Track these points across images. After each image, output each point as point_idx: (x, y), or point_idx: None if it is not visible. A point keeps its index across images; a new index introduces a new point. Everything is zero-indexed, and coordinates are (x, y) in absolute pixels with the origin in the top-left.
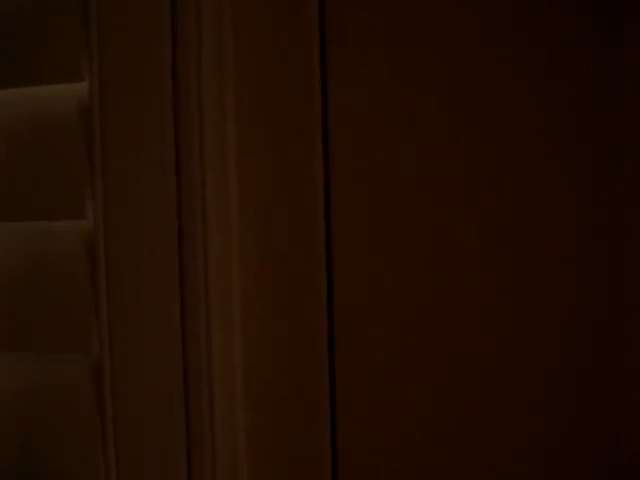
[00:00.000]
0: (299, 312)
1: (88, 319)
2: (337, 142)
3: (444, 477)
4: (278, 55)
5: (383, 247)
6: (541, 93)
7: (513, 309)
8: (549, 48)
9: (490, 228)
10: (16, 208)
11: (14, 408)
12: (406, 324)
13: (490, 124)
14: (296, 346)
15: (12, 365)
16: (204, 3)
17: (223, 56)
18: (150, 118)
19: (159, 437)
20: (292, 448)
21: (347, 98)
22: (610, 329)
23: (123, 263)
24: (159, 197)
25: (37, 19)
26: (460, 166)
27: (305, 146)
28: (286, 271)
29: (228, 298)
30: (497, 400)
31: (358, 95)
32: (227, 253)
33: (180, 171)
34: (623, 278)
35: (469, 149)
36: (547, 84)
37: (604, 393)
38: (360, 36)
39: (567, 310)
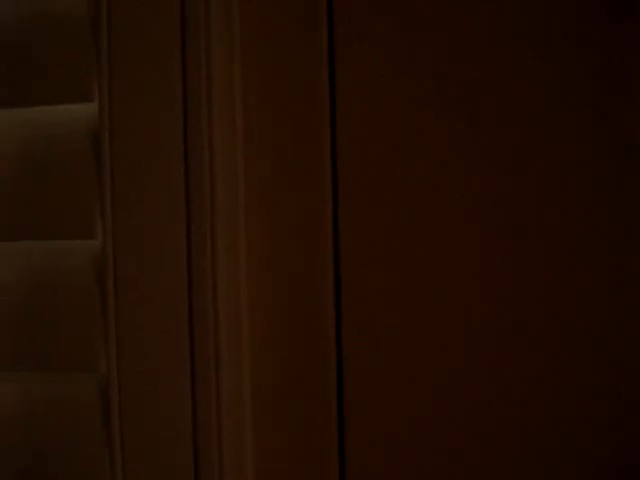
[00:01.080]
0: (307, 314)
1: (97, 337)
2: (345, 142)
3: None
4: (287, 59)
5: (390, 249)
6: (544, 94)
7: (521, 312)
8: (553, 50)
9: (500, 231)
10: (27, 227)
11: (24, 423)
12: (413, 325)
13: (496, 125)
14: (303, 349)
15: (22, 381)
16: (214, 28)
17: (233, 76)
18: (159, 139)
19: (166, 452)
20: (299, 456)
21: (355, 99)
22: (610, 330)
23: (131, 282)
24: (168, 217)
25: (49, 41)
26: (469, 165)
27: (313, 151)
28: (294, 276)
29: (236, 312)
30: (501, 400)
31: (366, 95)
32: (235, 271)
33: (189, 192)
34: (623, 278)
35: (477, 150)
36: (550, 86)
37: (605, 396)
38: (367, 34)
39: (574, 315)
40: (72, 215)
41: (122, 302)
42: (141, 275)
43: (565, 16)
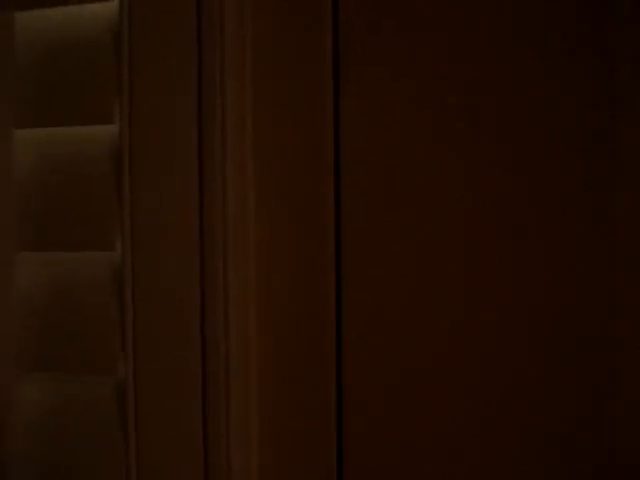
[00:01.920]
0: (309, 320)
1: (115, 343)
2: (347, 142)
3: None
4: (293, 69)
5: (391, 250)
6: (543, 99)
7: (519, 306)
8: (552, 50)
9: (499, 225)
10: (52, 239)
11: (45, 423)
12: (413, 325)
13: (496, 125)
14: (305, 351)
15: (45, 383)
16: (228, 58)
17: (245, 98)
18: (175, 158)
19: (178, 449)
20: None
21: (357, 99)
22: (602, 329)
23: (148, 291)
24: (182, 231)
25: (75, 67)
26: (467, 162)
27: (316, 154)
28: (298, 285)
29: (245, 319)
30: (499, 393)
31: (368, 95)
32: (244, 280)
33: (203, 207)
34: (614, 278)
35: (476, 147)
36: (550, 87)
37: (596, 396)
38: (370, 37)
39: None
40: (93, 228)
41: (139, 310)
42: (157, 285)
43: (564, 17)
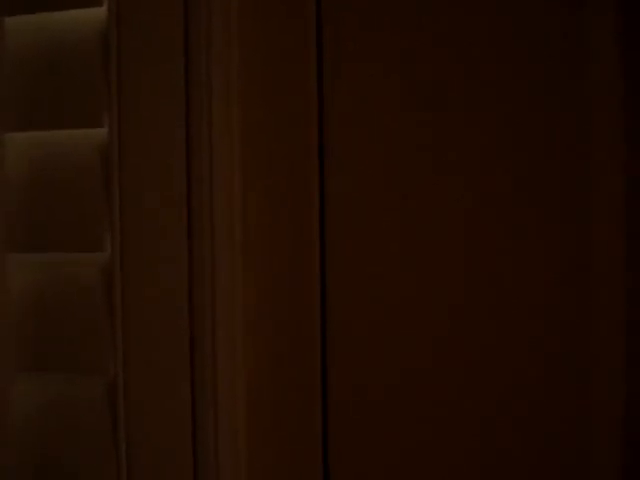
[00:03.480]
0: (295, 320)
1: (105, 343)
2: (332, 143)
3: None
4: (279, 72)
5: (376, 251)
6: (538, 97)
7: (508, 307)
8: (551, 51)
9: (485, 230)
10: (41, 241)
11: (37, 421)
12: (399, 327)
13: (488, 124)
14: (291, 355)
15: (36, 383)
16: (215, 62)
17: (230, 101)
18: (163, 161)
19: (167, 448)
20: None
21: (342, 97)
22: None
23: (137, 291)
24: (171, 231)
25: (64, 71)
26: (461, 160)
27: (303, 163)
28: (284, 283)
29: (232, 317)
30: (490, 388)
31: (354, 94)
32: (232, 280)
33: (191, 209)
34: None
35: (466, 146)
36: (547, 88)
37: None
38: (356, 35)
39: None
40: (83, 230)
41: (128, 310)
42: (146, 285)
43: (559, 16)
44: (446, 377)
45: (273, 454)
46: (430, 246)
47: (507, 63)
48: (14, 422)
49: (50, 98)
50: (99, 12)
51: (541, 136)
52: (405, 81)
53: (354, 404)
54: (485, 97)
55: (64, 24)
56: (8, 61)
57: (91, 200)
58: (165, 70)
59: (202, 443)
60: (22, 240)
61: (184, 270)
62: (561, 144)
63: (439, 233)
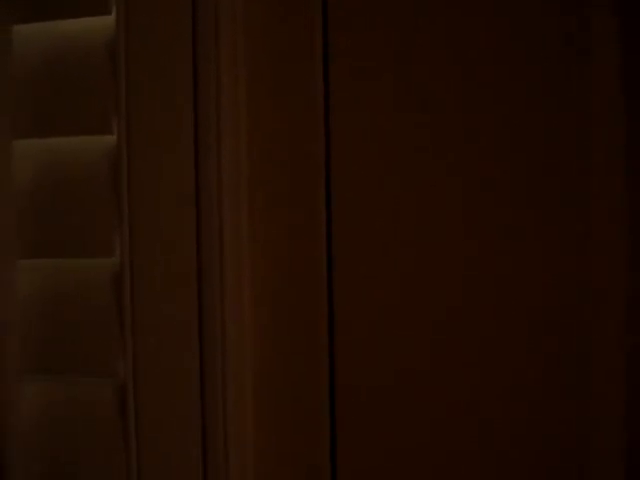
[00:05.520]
0: (303, 320)
1: (115, 345)
2: (339, 145)
3: None
4: (285, 76)
5: (381, 250)
6: (537, 98)
7: (514, 309)
8: (548, 52)
9: (483, 229)
10: (51, 246)
11: (47, 423)
12: (403, 325)
13: (486, 126)
14: (298, 352)
15: (46, 386)
16: (223, 69)
17: (239, 110)
18: (172, 167)
19: (177, 449)
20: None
21: (348, 99)
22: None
23: (146, 295)
24: (179, 236)
25: (73, 79)
26: (458, 166)
27: (309, 163)
28: (292, 283)
29: (241, 321)
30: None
31: (359, 96)
32: (241, 282)
33: (199, 215)
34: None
35: (465, 148)
36: (544, 89)
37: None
38: (360, 37)
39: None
40: (92, 235)
41: (138, 313)
42: (155, 289)
43: (555, 16)
44: (450, 374)
45: (281, 451)
46: (434, 246)
47: (505, 64)
48: (21, 425)
49: (59, 105)
50: (108, 20)
51: (541, 136)
52: (407, 83)
53: (361, 401)
54: (485, 97)
55: (73, 32)
56: (18, 69)
57: (100, 206)
58: (173, 77)
59: (212, 444)
60: (32, 246)
61: (193, 274)
62: (561, 144)
63: (442, 234)
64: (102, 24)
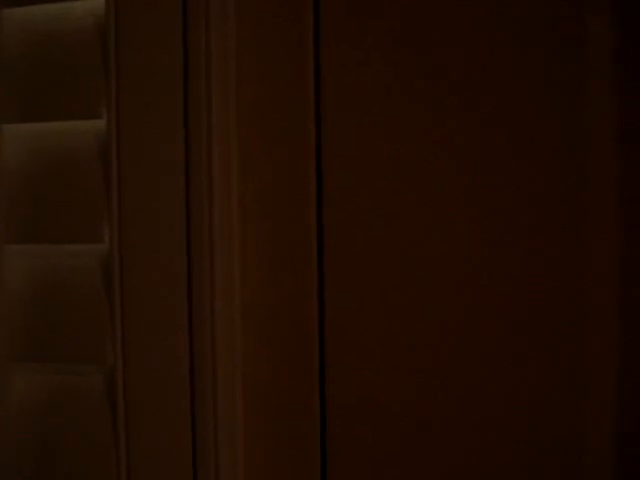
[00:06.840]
0: (292, 315)
1: (104, 333)
2: (330, 143)
3: None
4: (276, 75)
5: (374, 249)
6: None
7: (506, 308)
8: (546, 51)
9: (481, 229)
10: (40, 232)
11: (36, 410)
12: (397, 328)
13: (481, 125)
14: (289, 347)
15: (35, 373)
16: (214, 51)
17: (229, 93)
18: (162, 153)
19: (166, 437)
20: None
21: (339, 99)
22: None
23: (135, 282)
24: (169, 223)
25: (62, 62)
26: (453, 158)
27: (300, 159)
28: (281, 277)
29: (230, 307)
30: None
31: (351, 95)
32: (230, 270)
33: (189, 200)
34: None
35: (460, 149)
36: (543, 89)
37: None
38: (353, 36)
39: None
40: (82, 221)
41: (127, 300)
42: (144, 276)
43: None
44: (443, 378)
45: (272, 448)
46: (428, 246)
47: (505, 64)
48: (9, 414)
49: (48, 90)
50: (97, 3)
51: (541, 136)
52: (400, 74)
53: (352, 406)
54: (484, 98)
55: (62, 15)
56: (6, 53)
57: (89, 192)
58: (163, 61)
59: (201, 433)
60: (21, 231)
61: (183, 261)
62: (560, 144)
63: (438, 229)
64: (91, 7)
